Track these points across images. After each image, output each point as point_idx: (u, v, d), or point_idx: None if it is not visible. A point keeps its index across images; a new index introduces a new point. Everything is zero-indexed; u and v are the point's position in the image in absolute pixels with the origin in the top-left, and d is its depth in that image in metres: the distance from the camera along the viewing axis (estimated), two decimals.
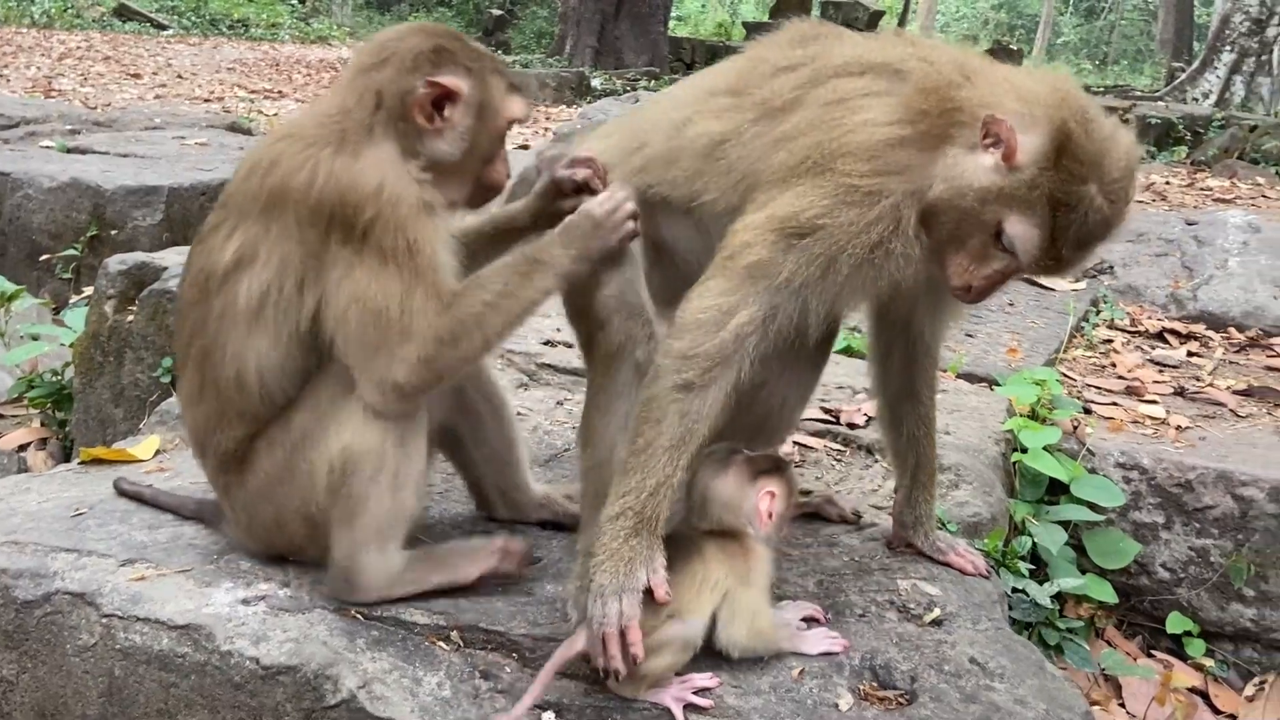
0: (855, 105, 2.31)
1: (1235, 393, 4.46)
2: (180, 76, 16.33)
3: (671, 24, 26.82)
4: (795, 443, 3.53)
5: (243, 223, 2.31)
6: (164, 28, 26.47)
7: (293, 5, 33.37)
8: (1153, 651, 3.65)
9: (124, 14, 26.74)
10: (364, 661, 2.26)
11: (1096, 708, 3.26)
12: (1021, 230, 2.18)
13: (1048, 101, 2.20)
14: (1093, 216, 2.16)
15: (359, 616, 2.38)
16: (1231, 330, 5.46)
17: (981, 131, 2.20)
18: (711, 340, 2.28)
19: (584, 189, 2.50)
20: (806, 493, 3.11)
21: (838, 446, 3.54)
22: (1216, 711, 3.45)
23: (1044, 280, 2.18)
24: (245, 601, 2.37)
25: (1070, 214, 2.15)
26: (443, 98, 2.34)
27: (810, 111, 2.36)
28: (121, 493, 2.82)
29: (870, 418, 3.69)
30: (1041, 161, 2.15)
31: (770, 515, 2.40)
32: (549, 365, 3.84)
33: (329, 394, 2.35)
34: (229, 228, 2.33)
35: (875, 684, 2.39)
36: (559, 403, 3.60)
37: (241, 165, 2.41)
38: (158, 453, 3.23)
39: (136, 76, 15.68)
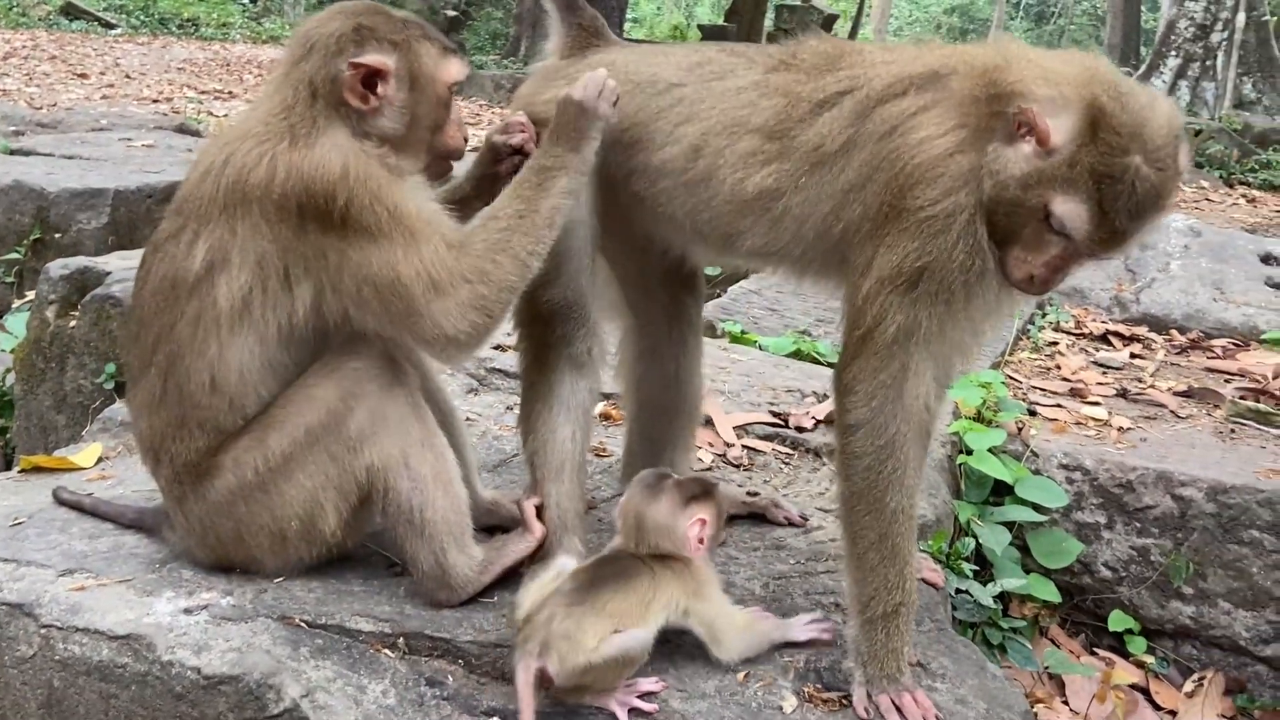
0: (908, 128, 2.29)
1: (1176, 394, 4.53)
2: (128, 76, 16.10)
3: (627, 26, 26.82)
4: (744, 446, 3.56)
5: (205, 227, 2.29)
6: (112, 27, 26.09)
7: (244, 5, 33.01)
8: (1095, 649, 3.70)
9: (71, 12, 26.32)
10: (307, 670, 2.24)
11: (1040, 706, 3.30)
12: (1069, 209, 2.18)
13: (1077, 80, 2.20)
14: (1141, 185, 2.15)
15: (303, 625, 2.36)
16: (1173, 332, 5.55)
17: (1014, 122, 2.20)
18: (895, 420, 2.31)
19: (519, 152, 2.52)
20: (754, 494, 3.14)
21: (786, 450, 3.57)
22: (1157, 708, 3.50)
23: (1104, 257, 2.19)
24: (187, 611, 2.35)
25: (1117, 185, 2.15)
26: (371, 76, 2.33)
27: (867, 150, 2.32)
28: (61, 502, 2.78)
29: (819, 421, 3.71)
30: (1078, 139, 2.16)
31: (702, 540, 2.42)
32: (498, 370, 3.84)
33: (319, 419, 2.35)
34: (191, 233, 2.31)
35: (819, 685, 2.41)
36: (508, 408, 3.60)
37: (193, 169, 2.39)
38: (100, 460, 3.19)
39: (83, 76, 15.44)
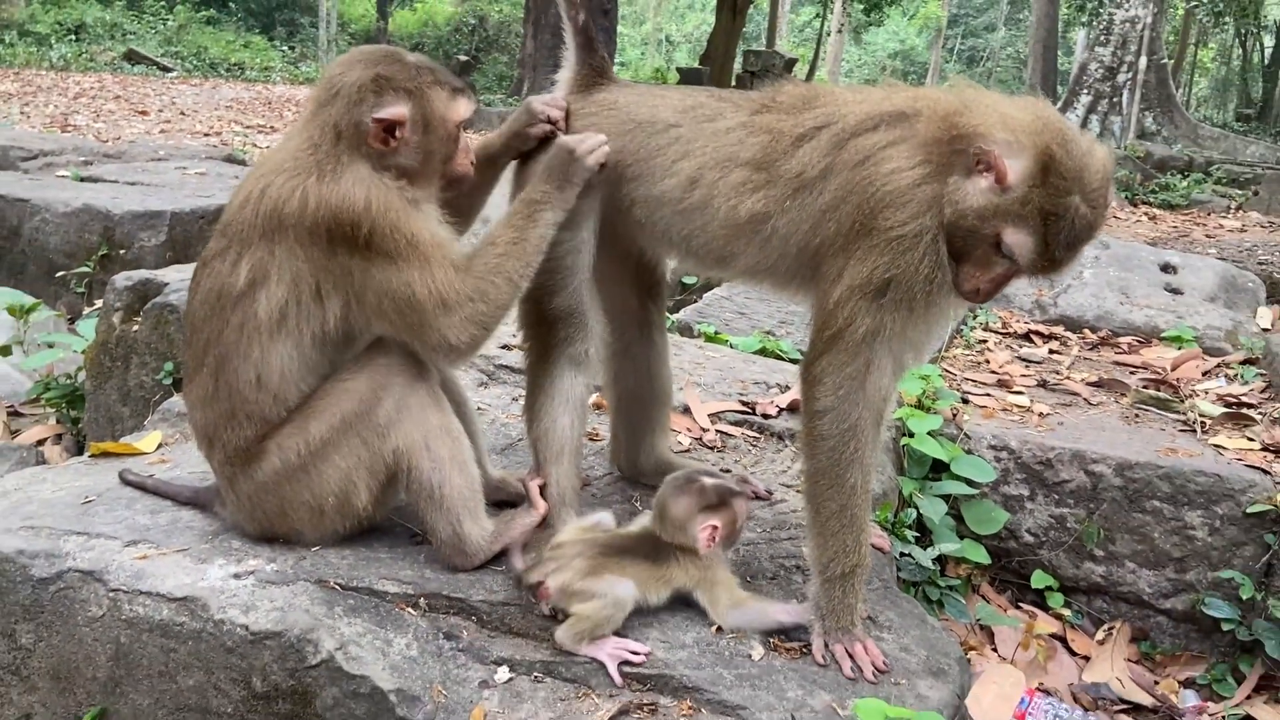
0: (878, 159, 2.29)
1: (1088, 384, 4.55)
2: (183, 113, 16.00)
3: (615, 69, 26.68)
4: (718, 431, 3.56)
5: (246, 249, 2.30)
6: (169, 70, 25.91)
7: (284, 51, 32.82)
8: (1020, 604, 3.71)
9: (133, 58, 26.13)
10: (341, 626, 2.24)
11: (972, 653, 3.31)
12: (1019, 239, 2.20)
13: (1031, 128, 2.21)
14: (1079, 222, 2.18)
15: (337, 587, 2.36)
16: (1086, 331, 5.56)
17: (974, 160, 2.21)
18: (858, 408, 2.32)
19: (550, 121, 2.57)
20: (726, 472, 3.14)
21: (753, 434, 3.57)
22: (1073, 653, 3.52)
23: (1040, 278, 2.25)
24: (236, 576, 2.34)
25: (1060, 222, 2.17)
26: (391, 125, 2.33)
27: (842, 177, 2.32)
28: (126, 482, 2.76)
29: (782, 409, 3.72)
30: (1030, 180, 2.17)
31: (711, 543, 2.44)
32: (506, 366, 3.83)
33: (353, 408, 2.35)
34: (235, 254, 2.31)
35: (782, 637, 2.42)
36: (514, 399, 3.59)
37: (235, 196, 2.39)
38: (160, 446, 3.17)
39: (144, 114, 15.34)
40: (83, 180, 7.14)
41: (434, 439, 2.39)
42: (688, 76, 21.61)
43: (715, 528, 2.43)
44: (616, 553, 2.35)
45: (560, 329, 2.59)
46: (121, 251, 5.86)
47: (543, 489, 2.60)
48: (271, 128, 15.03)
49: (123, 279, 4.29)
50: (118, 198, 6.24)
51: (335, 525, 2.46)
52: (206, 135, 13.12)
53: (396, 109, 2.33)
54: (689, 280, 6.00)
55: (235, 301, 2.31)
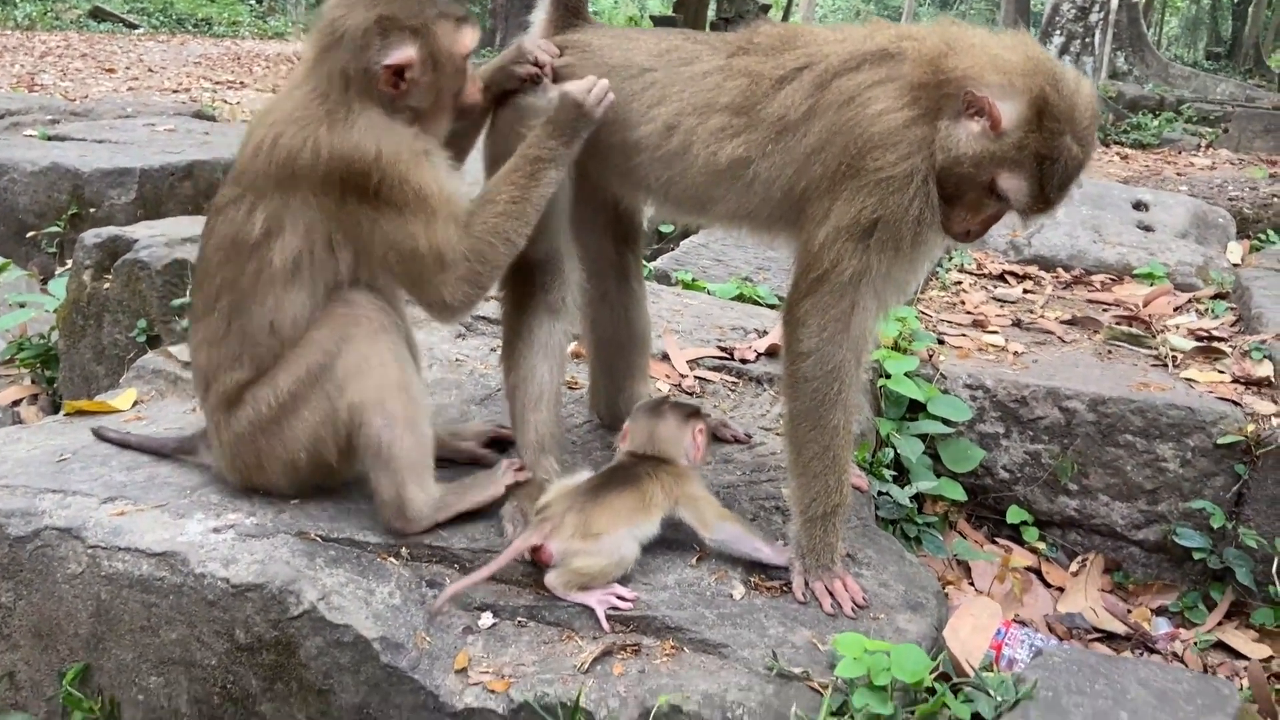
0: (864, 100, 2.24)
1: (1062, 322, 4.55)
2: (150, 70, 15.62)
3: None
4: (696, 377, 3.54)
5: (261, 199, 2.26)
6: (135, 27, 25.28)
7: (251, 4, 32.08)
8: (995, 539, 3.74)
9: (99, 15, 25.46)
10: (323, 577, 2.23)
11: (950, 587, 3.34)
12: (1014, 184, 2.18)
13: (1023, 70, 2.16)
14: (1071, 163, 2.16)
15: (318, 539, 2.34)
16: (1059, 270, 5.56)
17: (965, 104, 2.17)
18: (842, 349, 2.30)
19: (538, 64, 2.50)
20: (705, 415, 3.13)
21: (732, 379, 3.56)
22: (1048, 585, 3.56)
23: (1032, 219, 2.25)
24: (216, 530, 2.32)
25: (1054, 164, 2.14)
26: (400, 69, 2.26)
27: (826, 118, 2.27)
28: (102, 438, 2.72)
29: (759, 354, 3.70)
30: (1025, 126, 2.13)
31: (700, 449, 2.51)
32: (483, 317, 3.79)
33: (318, 360, 2.30)
34: (249, 203, 2.28)
35: (763, 576, 2.43)
36: (492, 349, 3.55)
37: (245, 144, 2.34)
38: (135, 404, 3.12)
39: (111, 71, 14.97)
40: (50, 139, 6.97)
41: (390, 395, 2.32)
42: (661, 24, 21.31)
43: (702, 431, 2.51)
44: (601, 494, 2.33)
45: (537, 276, 2.55)
46: (91, 210, 5.74)
47: (519, 475, 2.55)
48: (241, 83, 14.72)
49: (91, 236, 4.20)
50: (86, 156, 6.10)
51: (310, 479, 2.42)
52: (175, 92, 12.83)
53: (405, 52, 2.25)
54: (666, 228, 5.95)
55: (251, 250, 2.28)
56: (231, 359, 2.36)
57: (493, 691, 2.09)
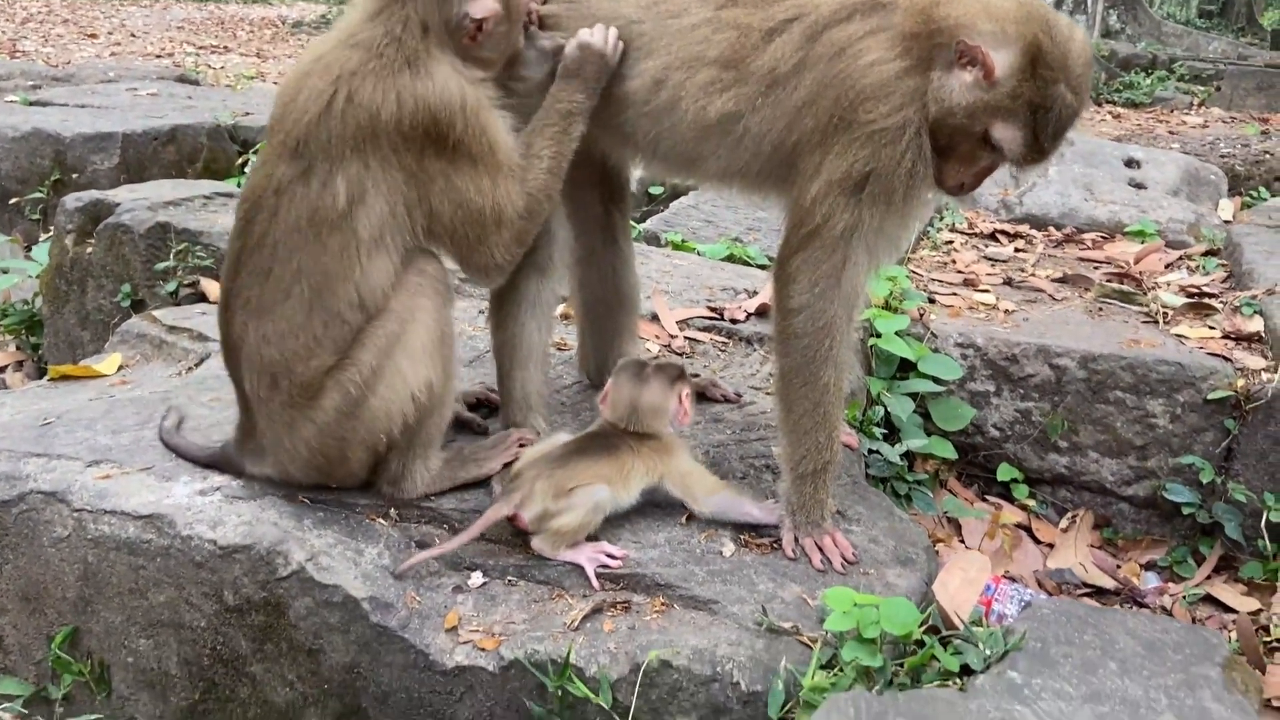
0: (856, 51, 2.20)
1: (1053, 280, 4.53)
2: (133, 35, 15.40)
3: None
4: (686, 337, 3.52)
5: (338, 165, 2.14)
6: None
7: None
8: (986, 497, 3.74)
9: None
10: (311, 538, 2.22)
11: (940, 544, 3.34)
12: (1008, 134, 2.15)
13: (1016, 18, 2.13)
14: (1065, 111, 2.14)
15: (305, 501, 2.34)
16: (1051, 229, 5.54)
17: (958, 54, 2.14)
18: (833, 305, 2.27)
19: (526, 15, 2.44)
20: (695, 376, 3.12)
21: (722, 339, 3.54)
22: (1038, 541, 3.57)
23: (1025, 169, 2.23)
24: (202, 493, 2.31)
25: (1048, 114, 2.12)
26: (483, 21, 2.23)
27: (817, 70, 2.23)
28: (166, 444, 2.52)
29: (749, 314, 3.69)
30: (1019, 75, 2.11)
31: (687, 412, 2.46)
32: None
33: (394, 329, 2.24)
34: (323, 173, 2.14)
35: (753, 533, 2.43)
36: (480, 311, 3.53)
37: (291, 107, 2.17)
38: (120, 368, 3.10)
39: (93, 36, 14.75)
40: (32, 105, 6.87)
41: (442, 368, 2.30)
42: None
43: (688, 395, 2.46)
44: (573, 461, 2.32)
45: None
46: (74, 175, 5.67)
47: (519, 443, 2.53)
48: (225, 48, 14.53)
49: (72, 200, 4.15)
50: (68, 121, 6.02)
51: (379, 461, 2.35)
52: (158, 57, 12.65)
53: (491, 4, 2.22)
54: (656, 189, 5.91)
55: (334, 224, 2.15)
56: (311, 346, 2.21)
57: (483, 649, 2.09)
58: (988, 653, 2.05)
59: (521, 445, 2.49)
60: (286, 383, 2.23)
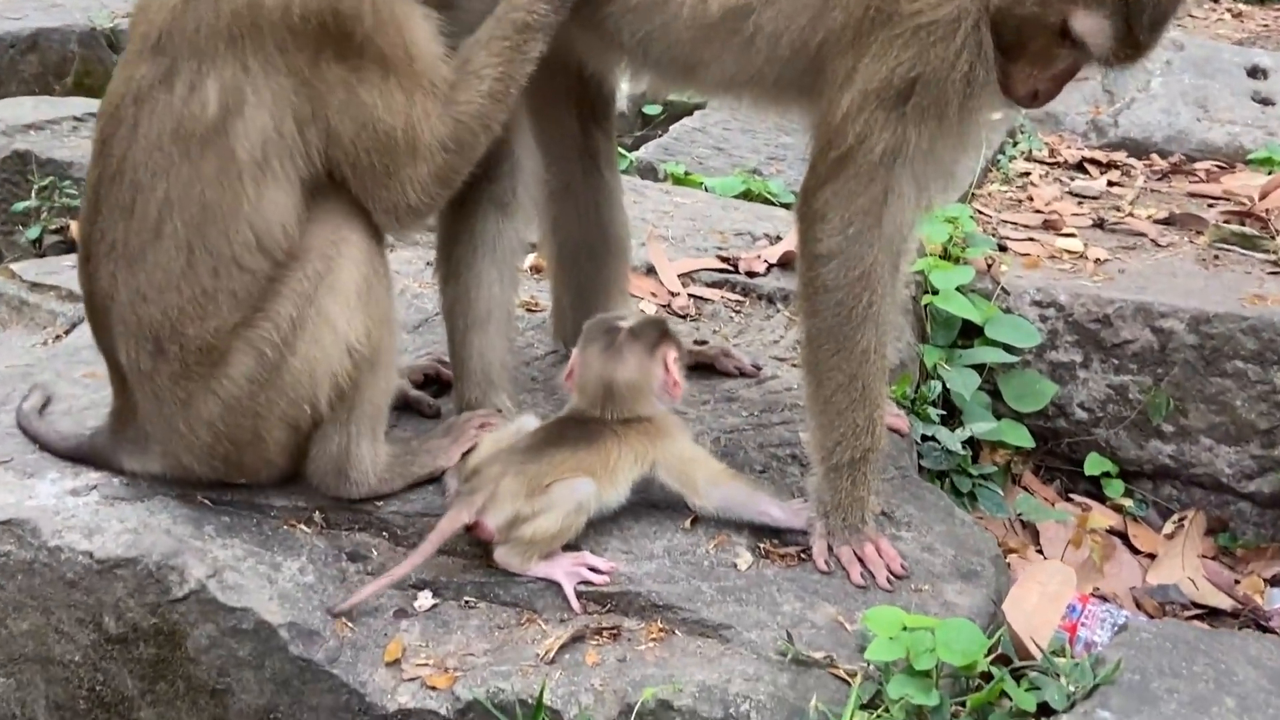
0: None
1: (1156, 222, 4.53)
2: None
3: None
4: (691, 295, 3.52)
5: (208, 65, 2.13)
6: None
7: None
8: (1070, 495, 3.76)
9: None
10: (213, 549, 2.22)
11: (1013, 555, 3.36)
12: (1091, 24, 2.14)
13: None
14: None
15: (206, 502, 2.34)
16: (1154, 157, 5.51)
17: None
18: (872, 250, 2.26)
19: None
20: (702, 344, 3.12)
21: (736, 297, 3.54)
22: (1135, 551, 3.58)
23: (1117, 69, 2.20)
24: (74, 492, 2.31)
25: None
26: None
27: None
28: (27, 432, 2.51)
29: (771, 265, 3.68)
30: None
31: (678, 381, 2.44)
32: None
33: (318, 269, 2.23)
34: (189, 75, 2.14)
35: (775, 541, 2.43)
36: (428, 263, 3.51)
37: None
38: None
39: None
40: None
41: (379, 326, 2.30)
42: None
43: (674, 358, 2.43)
44: (547, 452, 2.31)
45: (478, 163, 2.47)
46: None
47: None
48: None
49: None
50: None
51: (301, 446, 2.34)
52: None
53: None
54: (651, 109, 5.89)
55: (205, 140, 2.14)
56: (201, 301, 2.19)
57: (433, 688, 2.09)
58: (1071, 688, 2.05)
59: (483, 429, 2.49)
60: (176, 349, 2.21)
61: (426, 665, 2.13)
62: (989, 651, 2.11)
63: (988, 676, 2.11)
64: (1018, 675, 2.14)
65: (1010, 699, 2.07)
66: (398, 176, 2.23)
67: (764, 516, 2.41)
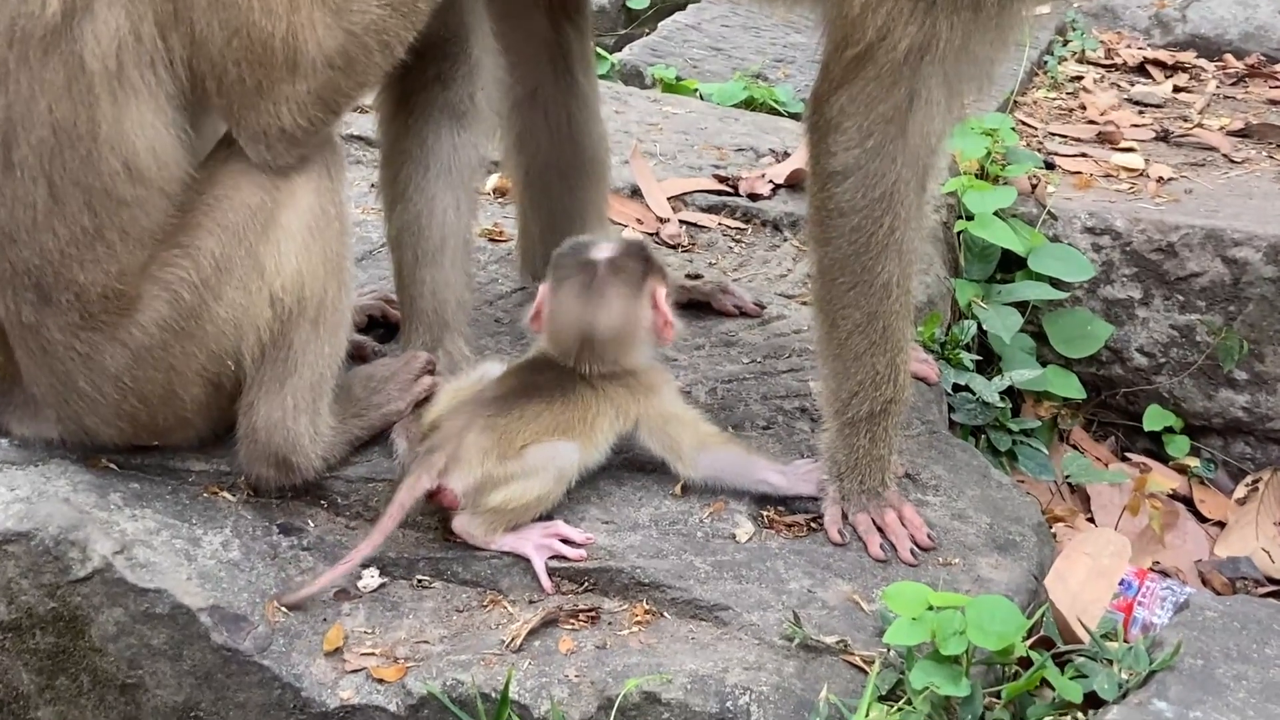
0: None
1: (1230, 134, 4.53)
2: None
3: None
4: (682, 221, 3.52)
5: None
6: None
7: None
8: (1128, 454, 3.78)
9: None
10: (121, 521, 2.22)
11: (1060, 524, 3.38)
12: None
13: None
14: None
15: (113, 466, 2.34)
16: (1227, 57, 5.51)
17: None
18: (895, 165, 2.25)
19: None
20: (696, 278, 3.12)
21: (736, 224, 3.54)
22: (1202, 519, 3.61)
23: None
24: None
25: None
26: None
27: None
28: None
29: (778, 185, 3.67)
30: None
31: (669, 321, 2.43)
32: (357, 137, 3.74)
33: (246, 205, 2.23)
34: None
35: (780, 508, 2.44)
36: (372, 185, 3.51)
37: None
38: None
39: None
40: None
41: (328, 275, 2.29)
42: None
43: (663, 291, 2.43)
44: (517, 404, 2.31)
45: (429, 65, 2.50)
46: None
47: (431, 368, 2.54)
48: None
49: None
50: None
51: (228, 408, 2.35)
52: None
53: None
54: (637, 2, 5.88)
55: (46, 47, 2.11)
56: (85, 241, 2.18)
57: (381, 681, 2.10)
58: (1124, 675, 2.07)
59: (430, 373, 2.49)
60: (70, 297, 2.21)
61: (373, 655, 2.14)
62: (1028, 634, 2.12)
63: (1026, 663, 2.12)
64: (1061, 661, 2.16)
65: (1052, 689, 2.08)
66: (271, 95, 2.20)
67: (763, 485, 2.42)
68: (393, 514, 2.22)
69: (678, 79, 4.65)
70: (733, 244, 3.46)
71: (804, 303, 3.05)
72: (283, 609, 2.20)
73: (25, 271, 2.20)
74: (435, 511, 2.32)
